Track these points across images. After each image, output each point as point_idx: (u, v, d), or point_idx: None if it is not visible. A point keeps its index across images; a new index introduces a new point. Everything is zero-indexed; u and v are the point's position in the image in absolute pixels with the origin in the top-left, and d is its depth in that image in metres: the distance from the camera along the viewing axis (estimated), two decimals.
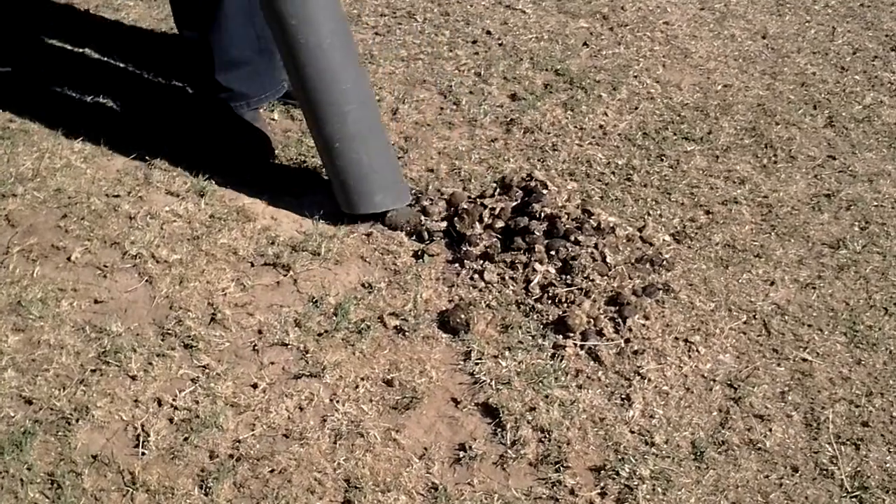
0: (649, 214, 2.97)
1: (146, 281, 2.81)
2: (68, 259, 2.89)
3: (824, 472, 2.26)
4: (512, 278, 2.73)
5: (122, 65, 3.73)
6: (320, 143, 2.88)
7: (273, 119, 3.47)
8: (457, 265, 2.82)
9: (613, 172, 3.16)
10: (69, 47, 3.82)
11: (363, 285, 2.77)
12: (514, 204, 2.90)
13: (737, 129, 3.36)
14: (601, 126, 3.39)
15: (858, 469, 2.26)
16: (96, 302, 2.76)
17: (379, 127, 2.93)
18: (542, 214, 2.83)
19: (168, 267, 2.84)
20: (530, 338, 2.59)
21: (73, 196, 3.12)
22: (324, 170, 3.06)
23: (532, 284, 2.69)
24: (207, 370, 2.54)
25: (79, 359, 2.58)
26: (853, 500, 2.20)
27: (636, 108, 3.48)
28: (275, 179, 3.18)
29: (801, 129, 3.36)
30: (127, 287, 2.80)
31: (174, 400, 2.47)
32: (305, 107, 2.85)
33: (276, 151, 3.28)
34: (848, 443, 2.32)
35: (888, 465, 2.27)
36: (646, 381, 2.47)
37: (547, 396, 2.43)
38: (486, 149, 3.29)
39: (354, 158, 2.82)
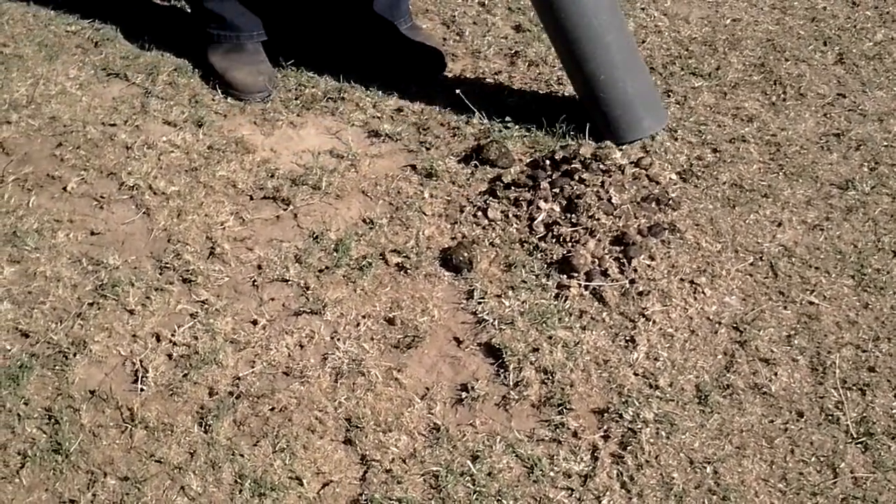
0: (656, 152, 2.91)
1: (143, 213, 2.77)
2: (64, 189, 2.84)
3: (830, 417, 2.24)
4: (516, 216, 2.69)
5: None
6: (582, 80, 2.84)
7: None
8: (460, 201, 2.77)
9: None
10: None
11: (364, 221, 2.73)
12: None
13: (745, 65, 3.29)
14: None
15: (864, 415, 2.24)
16: (93, 234, 2.71)
17: (637, 51, 2.91)
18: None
19: (166, 199, 2.80)
20: (534, 277, 2.56)
21: (69, 124, 3.06)
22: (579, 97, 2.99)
23: (536, 222, 2.65)
24: (206, 305, 2.51)
25: (76, 292, 2.55)
26: (858, 446, 2.19)
27: (643, 42, 3.41)
28: (274, 110, 3.12)
29: (810, 66, 3.30)
30: (124, 219, 2.76)
31: (173, 335, 2.44)
32: (564, 46, 2.80)
33: (276, 81, 3.21)
34: (854, 388, 2.30)
35: (895, 411, 2.25)
36: (651, 322, 2.44)
37: (550, 337, 2.40)
38: (490, 82, 3.22)
39: (620, 87, 2.80)
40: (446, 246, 2.65)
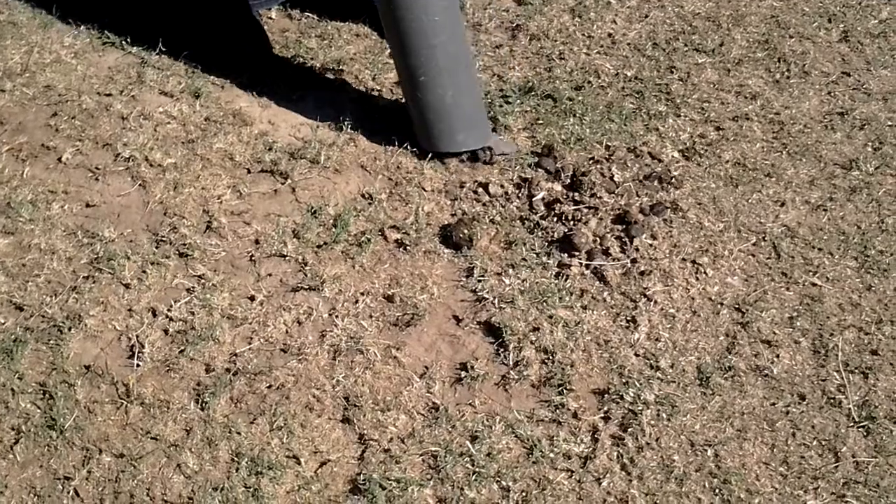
0: (658, 129, 2.88)
1: (139, 185, 2.73)
2: (59, 160, 2.81)
3: (832, 400, 2.22)
4: (517, 193, 2.65)
5: None
6: (404, 75, 2.70)
7: (270, 18, 3.35)
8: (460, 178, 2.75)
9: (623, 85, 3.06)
10: None
11: (363, 196, 2.70)
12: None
13: (749, 42, 3.25)
14: (610, 34, 3.28)
15: (866, 398, 2.22)
16: (88, 205, 2.68)
17: (468, 63, 2.74)
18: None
19: (162, 171, 2.76)
20: (535, 255, 2.53)
21: (64, 93, 3.02)
22: (405, 102, 2.84)
23: (535, 199, 2.62)
24: (203, 280, 2.48)
25: (71, 265, 2.52)
26: (860, 430, 2.17)
27: (646, 17, 3.36)
28: (272, 82, 3.07)
29: (814, 44, 3.26)
30: (120, 191, 2.72)
31: (169, 310, 2.41)
32: (393, 37, 2.66)
33: (273, 52, 3.16)
34: (856, 371, 2.28)
35: None
36: (652, 303, 2.41)
37: (551, 317, 2.38)
38: (490, 55, 3.18)
39: (439, 94, 2.65)
40: (446, 222, 2.62)
